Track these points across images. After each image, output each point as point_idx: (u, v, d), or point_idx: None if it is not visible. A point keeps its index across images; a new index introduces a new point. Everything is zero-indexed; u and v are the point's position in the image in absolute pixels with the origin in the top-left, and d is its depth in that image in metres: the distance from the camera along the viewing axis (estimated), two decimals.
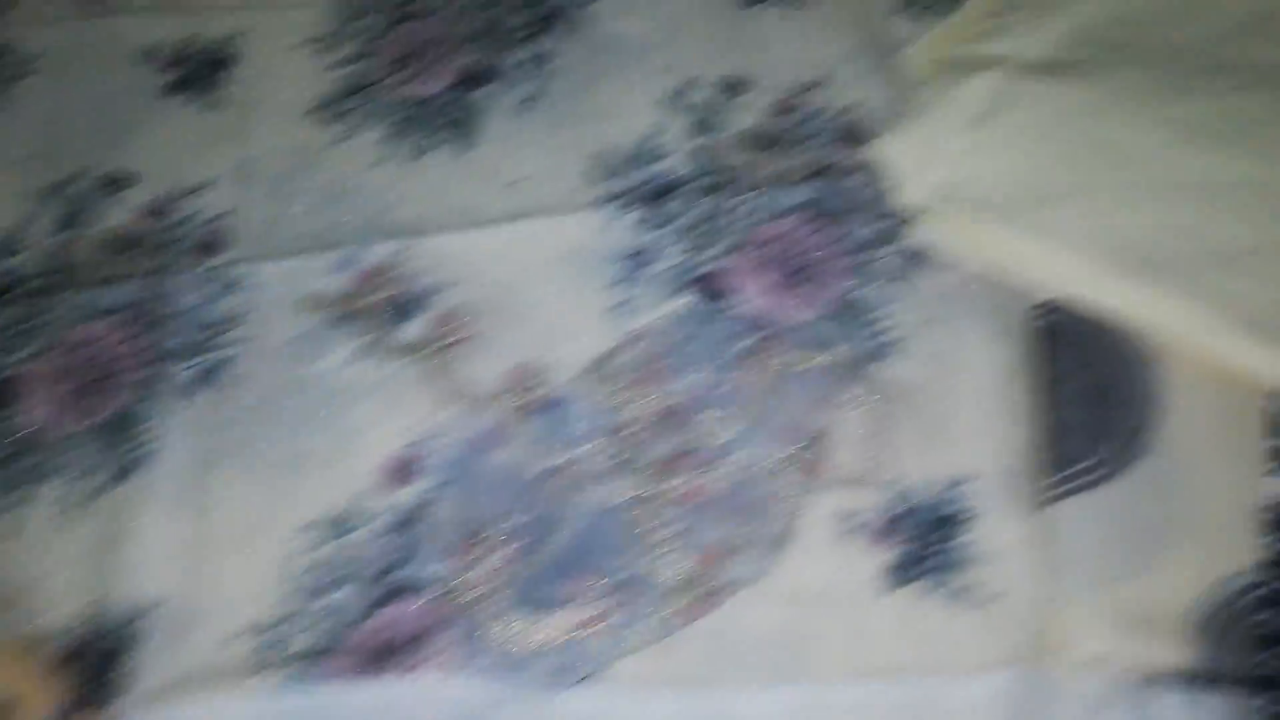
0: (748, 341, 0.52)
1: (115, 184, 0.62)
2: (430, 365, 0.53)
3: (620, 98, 0.63)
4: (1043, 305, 0.52)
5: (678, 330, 0.53)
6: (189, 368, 0.55)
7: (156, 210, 0.61)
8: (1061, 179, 0.54)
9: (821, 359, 0.51)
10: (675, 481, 0.47)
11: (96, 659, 0.48)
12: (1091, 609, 0.45)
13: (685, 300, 0.54)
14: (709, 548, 0.46)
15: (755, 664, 0.46)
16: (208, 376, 0.55)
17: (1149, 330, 0.50)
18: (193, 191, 0.61)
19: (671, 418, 0.49)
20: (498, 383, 0.53)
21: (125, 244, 0.60)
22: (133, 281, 0.58)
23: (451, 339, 0.54)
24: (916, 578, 0.47)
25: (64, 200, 0.61)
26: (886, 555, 0.47)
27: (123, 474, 0.53)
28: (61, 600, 0.50)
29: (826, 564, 0.47)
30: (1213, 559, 0.45)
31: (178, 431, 0.53)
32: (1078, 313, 0.51)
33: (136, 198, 0.61)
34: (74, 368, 0.56)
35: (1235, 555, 0.45)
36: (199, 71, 0.66)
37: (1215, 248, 0.50)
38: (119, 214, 0.61)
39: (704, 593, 0.45)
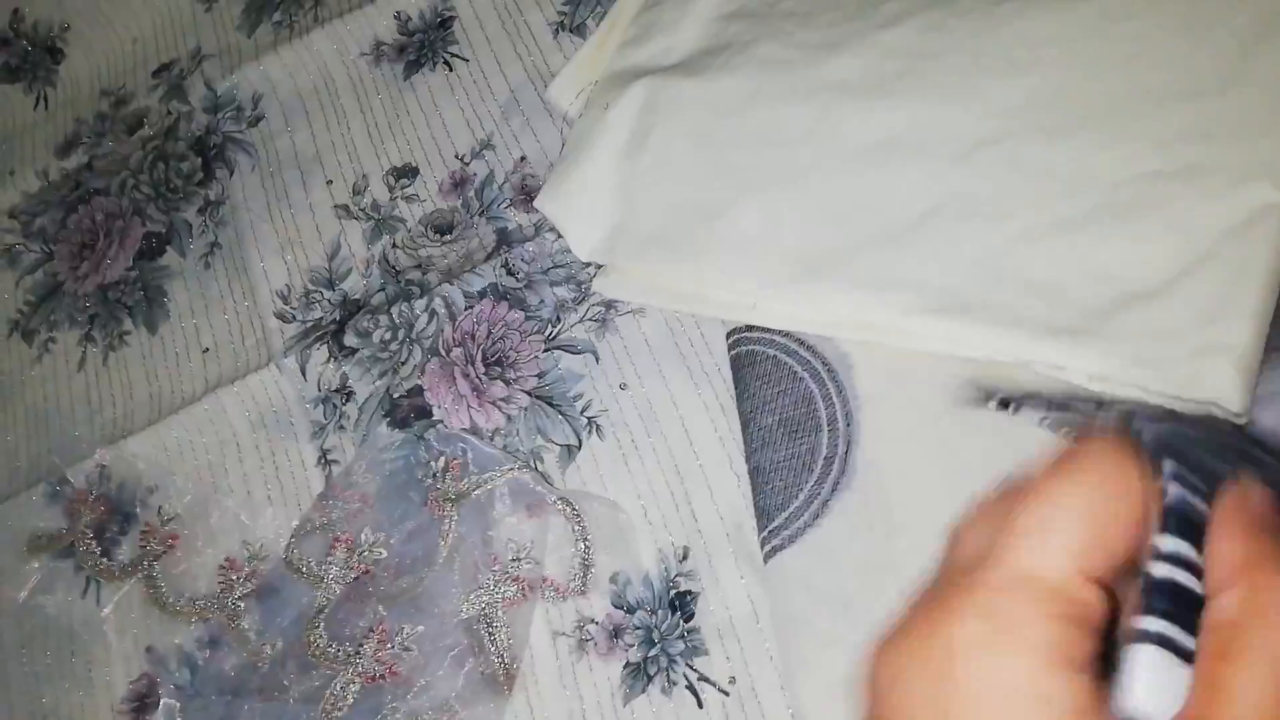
0: (437, 469, 0.48)
1: None
2: (148, 582, 0.51)
3: (296, 221, 0.59)
4: (733, 334, 0.47)
5: (373, 472, 0.49)
6: None
7: None
8: (724, 186, 0.49)
9: (514, 469, 0.47)
10: (370, 661, 0.43)
11: None
12: (829, 673, 0.40)
13: (382, 433, 0.51)
14: None
15: None
16: None
17: (829, 333, 0.45)
18: None
19: (367, 582, 0.46)
20: (212, 584, 0.50)
21: None
22: None
23: (160, 550, 0.51)
24: (653, 678, 0.43)
25: None
26: (619, 663, 0.44)
27: None
28: None
29: (560, 695, 0.44)
30: None
31: None
32: (763, 336, 0.46)
33: None
34: None
35: None
36: None
37: (886, 222, 0.45)
38: None
39: None
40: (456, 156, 0.58)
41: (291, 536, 0.49)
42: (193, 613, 0.49)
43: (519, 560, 0.45)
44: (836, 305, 0.44)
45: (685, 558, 0.45)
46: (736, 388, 0.46)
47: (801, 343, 0.45)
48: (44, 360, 0.60)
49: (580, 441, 0.49)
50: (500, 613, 0.44)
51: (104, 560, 0.52)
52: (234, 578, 0.49)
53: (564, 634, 0.45)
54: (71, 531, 0.53)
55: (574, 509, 0.45)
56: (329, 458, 0.52)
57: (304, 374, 0.54)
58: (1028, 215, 0.44)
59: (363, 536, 0.46)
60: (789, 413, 0.44)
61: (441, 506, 0.45)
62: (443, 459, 0.48)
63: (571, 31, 0.59)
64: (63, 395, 0.59)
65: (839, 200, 0.46)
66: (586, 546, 0.45)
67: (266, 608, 0.48)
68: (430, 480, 0.47)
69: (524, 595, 0.45)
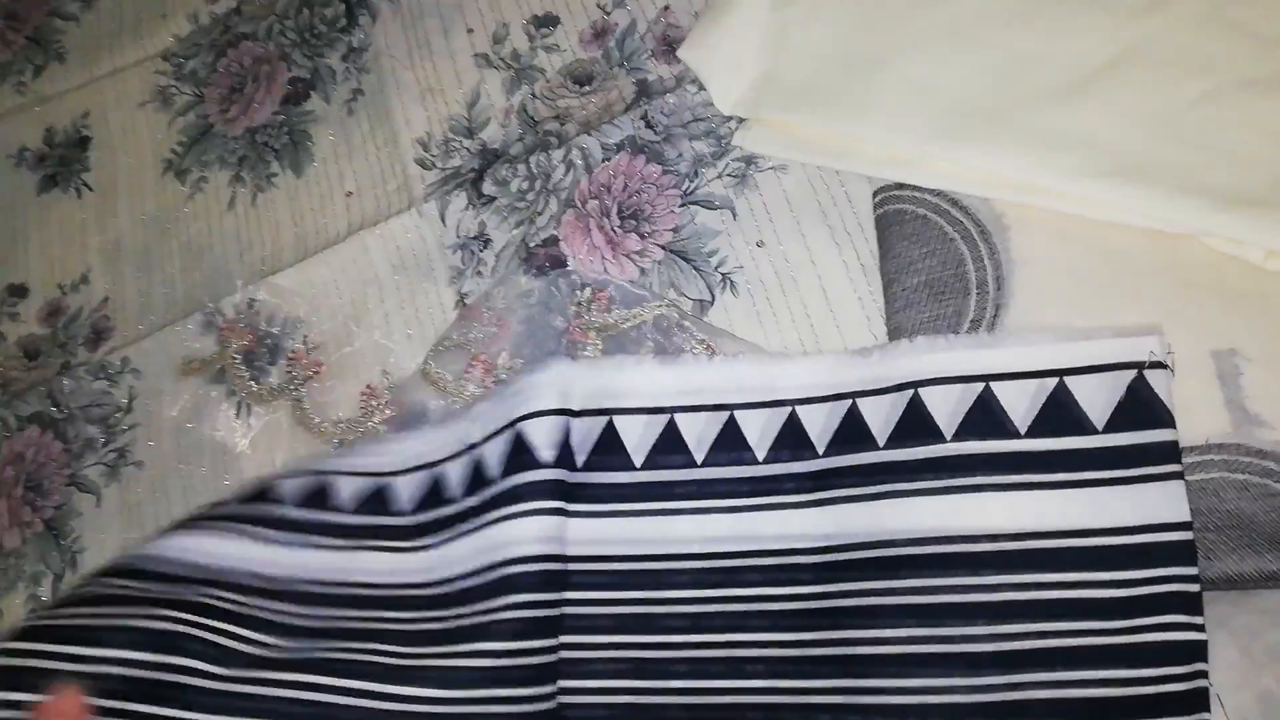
0: (583, 298, 0.49)
1: (14, 296, 0.65)
2: (295, 405, 0.54)
3: (436, 69, 0.59)
4: (880, 193, 0.46)
5: (511, 304, 0.50)
6: (95, 465, 0.58)
7: (51, 313, 0.63)
8: (881, 37, 0.47)
9: (662, 306, 0.47)
10: None
11: None
12: None
13: (519, 278, 0.52)
14: None
15: None
16: (113, 470, 0.57)
17: (987, 194, 0.43)
18: (77, 285, 0.63)
19: None
20: (353, 409, 0.52)
21: (33, 353, 0.63)
22: (42, 388, 0.61)
23: (306, 375, 0.54)
24: None
25: None
26: None
27: (62, 576, 0.56)
28: None
29: None
30: None
31: (97, 527, 0.56)
32: (914, 195, 0.44)
33: (33, 304, 0.64)
34: (13, 482, 0.60)
35: None
36: (64, 161, 0.68)
37: (1056, 77, 0.43)
38: (22, 325, 0.64)
39: None
40: (598, 5, 0.57)
41: (429, 351, 0.50)
42: (336, 434, 0.51)
43: None
44: (997, 165, 0.43)
45: None
46: (881, 247, 0.45)
47: (955, 203, 0.43)
48: (196, 199, 0.63)
49: (713, 297, 0.48)
50: None
51: (253, 384, 0.55)
52: (374, 404, 0.51)
53: None
54: (222, 356, 0.56)
55: (710, 349, 0.45)
56: (466, 302, 0.53)
57: (443, 220, 0.55)
58: (1215, 74, 0.41)
59: (500, 360, 0.48)
60: (936, 274, 0.43)
61: (585, 334, 0.46)
62: (588, 289, 0.48)
63: None
64: (214, 232, 0.61)
65: (1004, 53, 0.44)
66: None
67: (409, 429, 0.50)
68: (575, 309, 0.48)
69: None
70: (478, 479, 0.43)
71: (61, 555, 0.57)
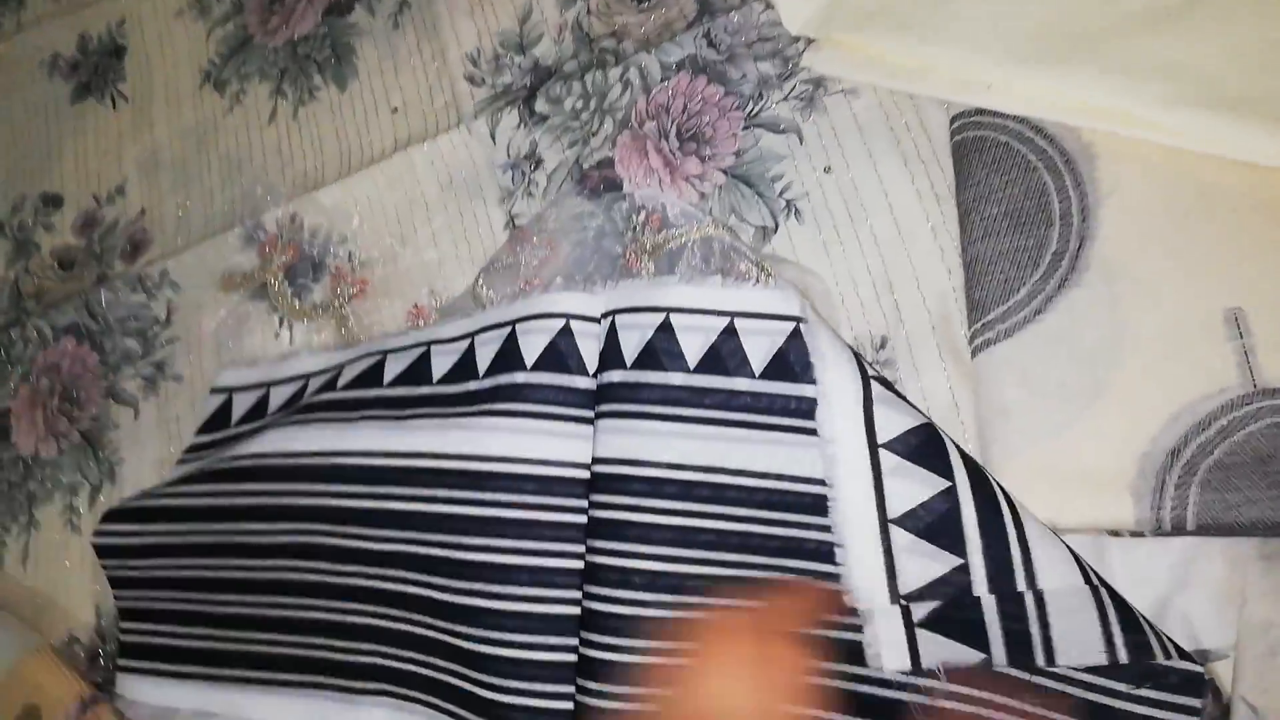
0: (637, 222, 0.47)
1: (49, 206, 0.63)
2: (339, 321, 0.52)
3: None
4: (957, 119, 0.44)
5: (565, 228, 0.49)
6: (133, 378, 0.57)
7: (87, 224, 0.62)
8: None
9: (709, 226, 0.45)
10: None
11: (108, 658, 0.53)
12: (1029, 468, 0.39)
13: (573, 201, 0.50)
14: None
15: None
16: (151, 383, 0.56)
17: (1074, 122, 0.41)
18: (113, 197, 0.62)
19: None
20: (400, 328, 0.51)
21: (68, 263, 0.62)
22: (78, 300, 0.60)
23: (351, 293, 0.53)
24: None
25: (11, 234, 0.64)
26: None
27: (100, 487, 0.56)
28: (78, 609, 0.55)
29: None
30: (1173, 385, 0.38)
31: (136, 439, 0.56)
32: (994, 122, 0.42)
33: (68, 216, 0.63)
34: (48, 392, 0.59)
35: (1202, 375, 0.38)
36: (98, 70, 0.66)
37: (1137, 9, 0.40)
38: (56, 235, 0.63)
39: None
40: None
41: (481, 271, 0.49)
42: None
43: None
44: (1086, 91, 0.41)
45: (883, 346, 0.43)
46: (958, 175, 0.43)
47: (1039, 130, 0.42)
48: (235, 111, 0.61)
49: (777, 224, 0.47)
50: None
51: (295, 301, 0.54)
52: (421, 323, 0.50)
53: None
54: (264, 272, 0.55)
55: (767, 273, 0.44)
56: (517, 223, 0.51)
57: (494, 138, 0.53)
58: None
59: (555, 283, 0.46)
60: (1017, 204, 0.41)
61: (639, 259, 0.45)
62: (643, 213, 0.47)
63: None
64: (255, 145, 0.59)
65: None
66: None
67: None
68: (630, 234, 0.47)
69: None
70: (463, 370, 0.44)
71: (99, 467, 0.56)
